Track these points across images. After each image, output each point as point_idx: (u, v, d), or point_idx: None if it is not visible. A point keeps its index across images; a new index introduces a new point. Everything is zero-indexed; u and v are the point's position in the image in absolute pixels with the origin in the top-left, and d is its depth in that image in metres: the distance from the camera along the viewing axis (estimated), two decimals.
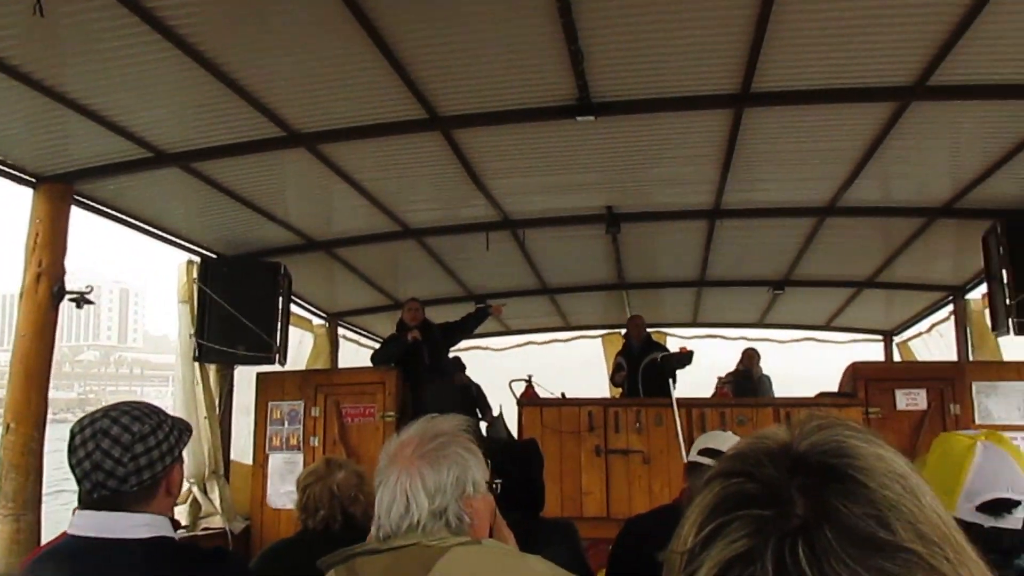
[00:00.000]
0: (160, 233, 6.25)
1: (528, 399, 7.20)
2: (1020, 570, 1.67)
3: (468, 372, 9.00)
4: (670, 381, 6.69)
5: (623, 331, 8.60)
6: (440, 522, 1.58)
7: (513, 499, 2.45)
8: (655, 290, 9.25)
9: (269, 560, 2.61)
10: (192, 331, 6.50)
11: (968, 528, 1.66)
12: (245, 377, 7.26)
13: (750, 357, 8.68)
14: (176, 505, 6.00)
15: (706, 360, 9.22)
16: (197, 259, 6.68)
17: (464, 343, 9.09)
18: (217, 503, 6.34)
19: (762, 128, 5.10)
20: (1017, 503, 1.68)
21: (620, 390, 8.11)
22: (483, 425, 9.17)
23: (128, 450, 1.70)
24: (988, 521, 1.69)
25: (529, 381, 7.46)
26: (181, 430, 1.84)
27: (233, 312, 6.57)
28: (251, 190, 5.88)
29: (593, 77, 4.44)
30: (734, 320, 10.59)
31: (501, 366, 10.12)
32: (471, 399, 9.27)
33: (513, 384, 7.71)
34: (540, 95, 4.72)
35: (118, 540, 1.67)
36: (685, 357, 7.52)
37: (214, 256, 6.80)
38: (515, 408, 7.15)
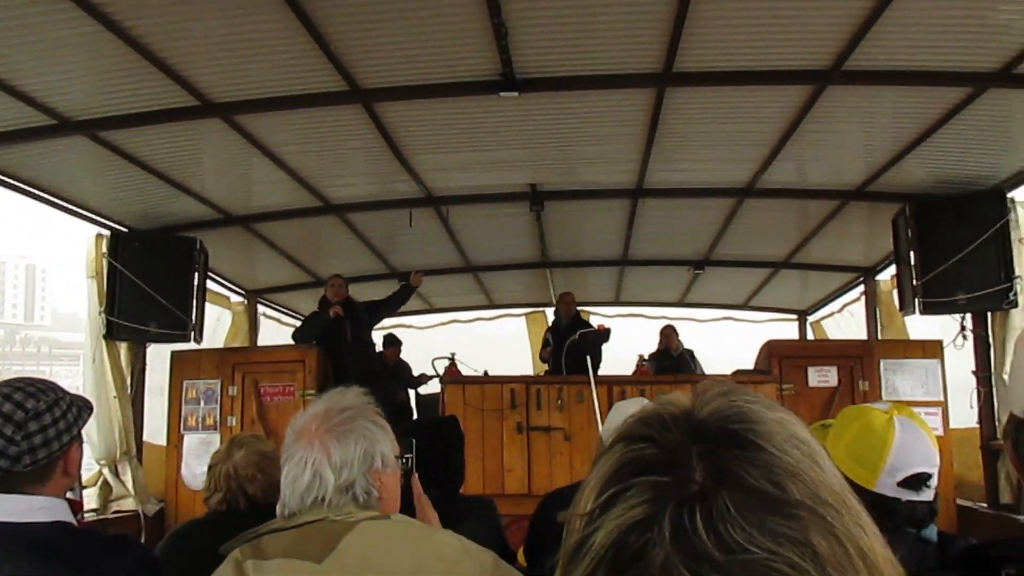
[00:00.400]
0: (67, 205, 5.97)
1: (451, 377, 7.19)
2: (927, 540, 1.73)
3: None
4: (587, 358, 6.77)
5: (549, 309, 8.67)
6: (347, 496, 1.56)
7: (432, 476, 2.44)
8: (578, 269, 9.32)
9: (176, 541, 2.53)
10: (101, 308, 6.25)
11: (889, 503, 1.71)
12: (159, 355, 7.04)
13: (667, 335, 8.83)
14: (84, 488, 5.84)
15: (628, 339, 9.38)
16: (107, 233, 6.42)
17: (387, 321, 9.02)
18: (129, 485, 6.15)
19: (684, 108, 5.16)
20: (931, 476, 1.74)
21: (547, 367, 8.18)
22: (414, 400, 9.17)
23: (21, 428, 1.61)
24: (907, 495, 1.74)
25: (452, 359, 7.46)
26: (80, 407, 1.75)
27: (146, 288, 6.35)
28: (164, 162, 5.66)
29: (517, 53, 4.40)
30: (656, 299, 10.76)
31: (425, 344, 10.09)
32: (407, 377, 9.22)
33: (436, 362, 7.70)
34: (464, 69, 4.66)
35: (11, 524, 1.58)
36: (603, 334, 7.62)
37: (125, 230, 6.54)
38: (438, 386, 7.15)
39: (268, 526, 1.58)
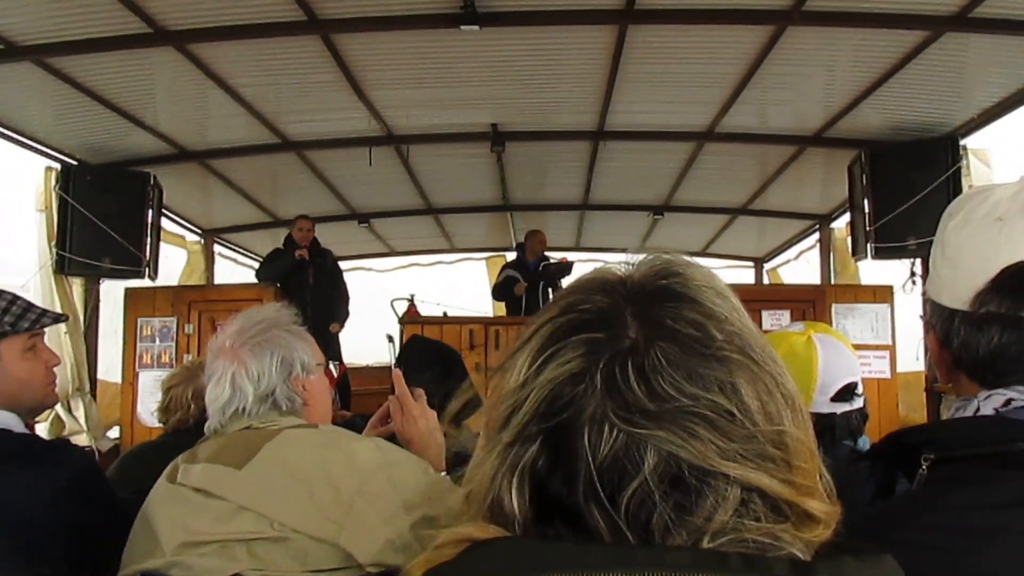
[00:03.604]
0: (14, 135, 5.79)
1: (410, 317, 7.19)
2: (860, 451, 1.80)
3: (351, 292, 8.82)
4: (550, 291, 6.80)
5: (511, 254, 8.62)
6: (267, 405, 1.58)
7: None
8: (539, 212, 9.30)
9: (129, 462, 2.54)
10: (52, 242, 6.12)
11: (826, 419, 1.76)
12: (113, 294, 6.94)
13: None
14: (37, 423, 5.78)
15: None
16: (57, 166, 6.26)
17: (347, 264, 8.97)
18: (82, 421, 6.10)
19: (645, 47, 5.13)
20: (857, 384, 1.80)
21: (503, 303, 8.18)
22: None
23: None
24: (841, 407, 1.80)
25: (411, 300, 7.45)
26: (26, 308, 1.73)
27: (98, 223, 6.22)
28: (116, 92, 5.50)
29: None
30: (616, 245, 10.76)
31: (385, 287, 10.05)
32: None
33: (395, 303, 7.68)
34: (424, 0, 4.58)
35: None
36: (565, 267, 7.66)
37: (76, 163, 6.38)
38: (397, 327, 7.14)
39: (202, 440, 1.61)
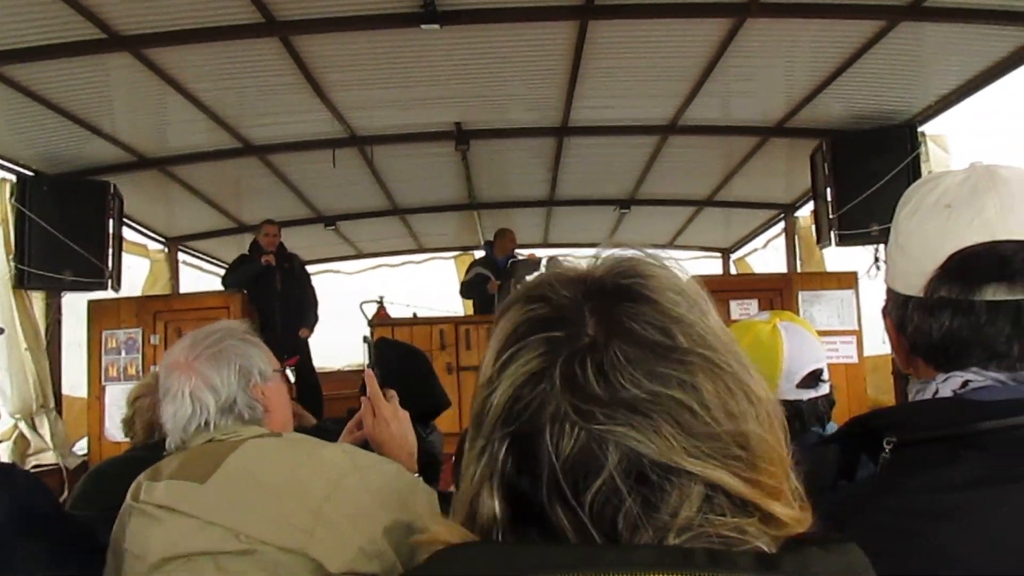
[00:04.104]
0: None
1: (380, 320, 7.17)
2: (826, 436, 1.82)
3: (320, 296, 8.75)
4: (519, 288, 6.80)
5: (479, 252, 8.61)
6: (231, 416, 1.56)
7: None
8: (506, 210, 9.29)
9: (96, 479, 2.49)
10: (10, 256, 6.00)
11: (793, 406, 1.78)
12: (76, 307, 6.83)
13: None
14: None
15: None
16: (12, 178, 6.14)
17: (315, 268, 8.92)
18: (48, 438, 5.98)
19: (607, 43, 5.14)
20: (823, 370, 1.82)
21: (471, 301, 8.17)
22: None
23: None
24: (807, 394, 1.82)
25: (381, 302, 7.42)
26: None
27: (58, 235, 6.10)
28: (72, 100, 5.40)
29: None
30: (584, 240, 10.81)
31: (354, 290, 9.99)
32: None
33: (364, 306, 7.64)
34: (384, 0, 4.56)
35: None
36: (533, 264, 7.67)
37: (32, 174, 6.26)
38: (367, 330, 7.10)
39: (165, 458, 1.58)
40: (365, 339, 2.00)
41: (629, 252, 0.70)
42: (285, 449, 1.50)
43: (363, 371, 1.82)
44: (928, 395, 0.99)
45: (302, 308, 7.53)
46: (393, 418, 1.73)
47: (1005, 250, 0.93)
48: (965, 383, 0.95)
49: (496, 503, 0.62)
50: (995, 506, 0.84)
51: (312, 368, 7.52)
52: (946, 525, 0.84)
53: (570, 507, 0.59)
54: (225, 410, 1.56)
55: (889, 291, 1.06)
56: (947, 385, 0.97)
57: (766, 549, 0.59)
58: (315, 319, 7.63)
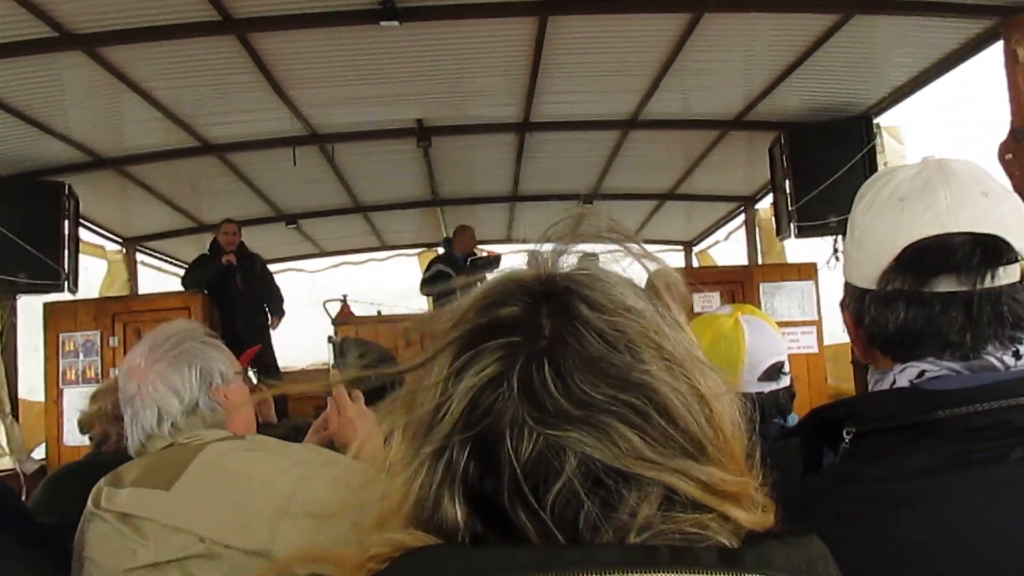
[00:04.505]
0: None
1: (344, 318, 7.12)
2: (788, 428, 1.85)
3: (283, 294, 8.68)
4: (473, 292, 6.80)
5: (443, 249, 8.58)
6: (194, 418, 1.54)
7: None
8: (469, 206, 9.29)
9: (53, 486, 2.44)
10: None
11: (754, 399, 1.81)
12: (31, 310, 6.69)
13: None
14: None
15: None
16: None
17: (277, 267, 8.83)
18: (4, 443, 5.87)
19: (566, 37, 5.15)
20: (783, 363, 1.85)
21: (432, 298, 8.14)
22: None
23: None
24: (768, 387, 1.85)
25: (344, 300, 7.38)
26: None
27: (11, 237, 5.98)
28: (23, 100, 5.28)
29: None
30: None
31: (317, 288, 9.92)
32: None
33: (328, 304, 7.59)
34: None
35: None
36: (493, 261, 7.67)
37: None
38: (331, 328, 7.06)
39: (127, 464, 1.55)
40: (330, 339, 1.99)
41: (575, 255, 0.71)
42: (247, 451, 1.49)
43: (328, 370, 1.82)
44: (886, 385, 1.01)
45: (268, 304, 7.51)
46: (358, 417, 1.71)
47: (954, 242, 0.96)
48: (922, 372, 0.98)
49: (458, 508, 0.62)
50: (952, 493, 0.86)
51: (277, 367, 7.46)
52: (906, 511, 0.86)
53: (532, 509, 0.60)
54: (187, 412, 1.54)
55: (847, 285, 1.08)
56: (904, 375, 0.99)
57: (728, 544, 0.60)
58: (282, 312, 7.60)
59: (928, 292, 0.96)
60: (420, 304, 10.17)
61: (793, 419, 1.85)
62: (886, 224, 1.02)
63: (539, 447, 0.60)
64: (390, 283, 10.82)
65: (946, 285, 0.96)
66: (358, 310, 7.41)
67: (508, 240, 10.77)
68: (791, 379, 1.87)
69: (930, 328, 0.97)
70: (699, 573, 0.56)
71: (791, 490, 0.84)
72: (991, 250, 0.95)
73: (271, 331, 7.60)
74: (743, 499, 0.62)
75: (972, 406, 0.90)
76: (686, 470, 0.60)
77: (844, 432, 0.98)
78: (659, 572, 0.56)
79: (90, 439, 2.60)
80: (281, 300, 7.65)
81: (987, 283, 0.94)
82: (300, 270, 10.39)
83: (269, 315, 7.56)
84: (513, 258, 10.50)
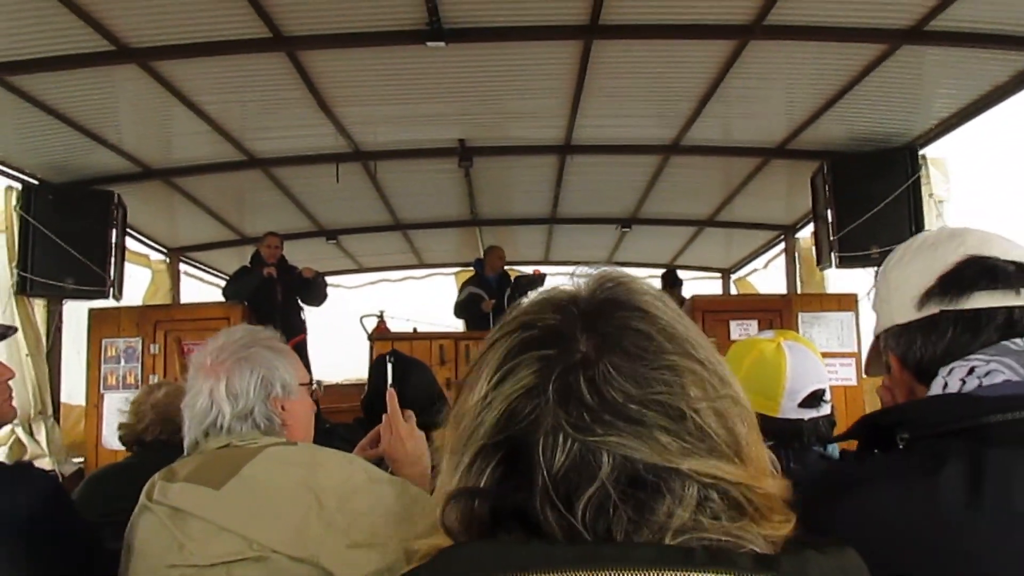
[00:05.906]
0: None
1: (380, 334, 7.16)
2: (829, 457, 1.82)
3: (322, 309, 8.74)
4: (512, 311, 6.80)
5: (472, 267, 8.62)
6: (248, 424, 1.56)
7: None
8: (508, 227, 9.33)
9: (95, 484, 2.49)
10: (13, 263, 6.02)
11: (794, 425, 1.80)
12: (77, 315, 6.83)
13: None
14: None
15: None
16: (18, 186, 6.17)
17: None
18: (44, 444, 5.98)
19: (610, 62, 5.19)
20: (825, 391, 1.83)
21: (463, 320, 8.18)
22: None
23: None
24: (808, 413, 1.83)
25: (381, 316, 7.42)
26: None
27: (61, 244, 6.13)
28: (78, 110, 5.44)
29: (444, 1, 4.36)
30: (584, 258, 10.69)
31: (354, 304, 9.99)
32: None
33: (364, 320, 7.64)
34: (390, 18, 4.60)
35: None
36: (538, 279, 7.67)
37: (37, 183, 6.29)
38: (367, 344, 7.10)
39: (181, 459, 1.58)
40: (389, 357, 2.01)
41: (611, 273, 0.73)
42: (301, 459, 1.50)
43: (363, 384, 1.84)
44: (937, 390, 1.03)
45: (302, 319, 7.63)
46: (409, 437, 1.76)
47: (990, 260, 1.02)
48: (971, 369, 0.99)
49: (481, 512, 0.64)
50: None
51: (310, 369, 7.51)
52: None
53: (562, 515, 0.61)
54: (242, 417, 1.56)
55: (885, 333, 1.11)
56: (954, 376, 1.01)
57: (760, 551, 0.61)
58: (325, 295, 7.80)
59: (971, 309, 1.00)
60: (456, 322, 10.24)
61: (833, 449, 1.82)
62: (919, 265, 1.07)
63: (574, 453, 0.62)
64: (427, 301, 10.87)
65: (987, 300, 1.00)
66: (394, 326, 7.44)
67: (545, 261, 10.79)
68: (832, 408, 1.85)
69: (975, 342, 1.00)
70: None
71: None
72: None
73: (306, 323, 7.71)
74: (774, 505, 0.64)
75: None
76: (722, 471, 0.62)
77: (898, 438, 0.99)
78: (695, 572, 0.57)
79: (126, 443, 2.65)
80: (324, 285, 7.79)
81: None
82: (338, 285, 10.48)
83: (301, 302, 7.67)
84: (550, 281, 10.55)
